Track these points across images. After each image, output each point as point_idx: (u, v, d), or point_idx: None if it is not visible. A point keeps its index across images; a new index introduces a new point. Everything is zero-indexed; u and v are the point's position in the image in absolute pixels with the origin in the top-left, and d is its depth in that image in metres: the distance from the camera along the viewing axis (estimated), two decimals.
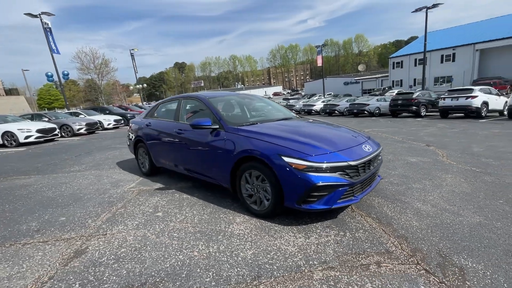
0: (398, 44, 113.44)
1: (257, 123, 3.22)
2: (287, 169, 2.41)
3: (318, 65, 35.12)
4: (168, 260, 2.12)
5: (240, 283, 1.80)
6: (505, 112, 12.51)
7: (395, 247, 2.12)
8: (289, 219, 2.69)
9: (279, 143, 2.59)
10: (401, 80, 40.60)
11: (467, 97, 12.42)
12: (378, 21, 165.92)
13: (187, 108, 3.91)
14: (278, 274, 1.87)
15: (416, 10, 20.85)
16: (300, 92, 70.10)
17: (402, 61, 40.34)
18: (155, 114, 4.57)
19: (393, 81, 41.84)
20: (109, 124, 15.78)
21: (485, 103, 12.34)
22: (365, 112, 17.38)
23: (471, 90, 12.72)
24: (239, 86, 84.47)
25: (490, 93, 13.04)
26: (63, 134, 12.93)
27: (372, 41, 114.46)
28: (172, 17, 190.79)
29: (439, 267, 1.84)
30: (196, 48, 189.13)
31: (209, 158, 3.23)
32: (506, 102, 12.84)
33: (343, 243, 2.21)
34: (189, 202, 3.35)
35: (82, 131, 13.18)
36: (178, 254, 2.20)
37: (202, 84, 74.75)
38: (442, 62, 35.51)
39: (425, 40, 21.00)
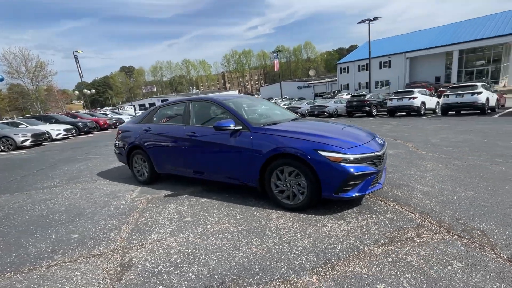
0: (341, 52, 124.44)
1: (277, 123, 3.37)
2: (325, 162, 2.62)
3: (276, 69, 36.59)
4: (232, 259, 2.13)
5: (316, 268, 1.94)
6: (437, 111, 14.95)
7: (423, 221, 2.49)
8: (320, 210, 2.90)
9: (311, 139, 2.80)
10: (348, 84, 44.74)
11: (409, 98, 14.43)
12: (323, 30, 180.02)
13: (198, 111, 3.85)
14: (345, 255, 2.06)
15: (361, 22, 23.39)
16: (256, 96, 71.94)
17: (348, 67, 44.53)
18: (154, 119, 4.37)
19: (341, 85, 45.83)
20: (58, 134, 13.99)
21: (423, 103, 14.49)
22: (325, 113, 18.76)
23: (412, 92, 14.82)
24: (194, 91, 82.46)
25: (426, 94, 15.38)
26: (2, 147, 11.07)
27: (319, 48, 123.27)
28: (115, 18, 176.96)
29: (465, 231, 2.26)
30: (144, 52, 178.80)
31: (233, 158, 3.26)
32: (438, 102, 15.35)
33: (381, 224, 2.51)
34: (212, 205, 3.32)
35: (27, 143, 11.45)
36: (237, 252, 2.23)
37: (155, 89, 70.76)
38: (380, 68, 40.28)
39: (369, 48, 23.64)
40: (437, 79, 36.20)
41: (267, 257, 2.11)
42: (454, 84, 23.28)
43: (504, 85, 31.15)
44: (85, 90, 30.59)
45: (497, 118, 10.30)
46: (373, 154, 2.75)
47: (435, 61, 35.76)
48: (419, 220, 2.52)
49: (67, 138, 14.82)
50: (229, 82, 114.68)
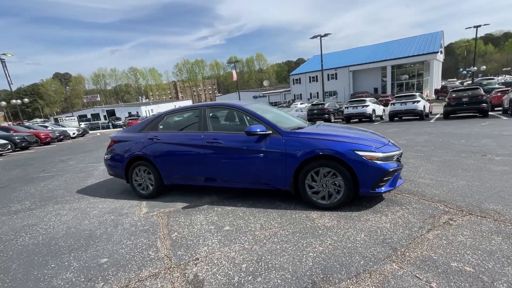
0: (289, 64, 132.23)
1: (302, 127, 3.51)
2: (362, 161, 2.84)
3: (233, 79, 37.02)
4: (305, 260, 2.15)
5: (390, 256, 2.09)
6: (384, 117, 17.10)
7: (446, 208, 2.88)
8: (352, 208, 3.10)
9: (346, 140, 3.00)
10: (301, 94, 47.69)
11: (363, 106, 16.17)
12: (271, 43, 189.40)
13: (216, 117, 3.75)
14: (406, 243, 2.26)
15: (314, 37, 25.44)
16: None
17: (300, 78, 47.58)
18: (161, 127, 4.07)
19: (294, 95, 48.58)
20: None
21: (374, 110, 16.38)
22: None
23: (364, 101, 16.64)
24: (144, 101, 77.57)
25: (375, 103, 17.44)
26: None
27: (269, 60, 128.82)
28: (45, 19, 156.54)
29: (483, 212, 2.69)
30: (81, 58, 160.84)
31: (264, 163, 3.26)
32: (384, 110, 17.56)
33: (414, 214, 2.81)
34: (244, 212, 3.24)
35: None
36: (305, 253, 2.25)
37: (98, 99, 64.33)
38: (329, 79, 44.05)
39: (322, 61, 25.79)
40: (375, 90, 41.20)
41: (338, 254, 2.19)
42: (394, 94, 26.61)
43: (426, 96, 37.14)
44: (14, 100, 26.17)
45: (434, 122, 12.23)
46: (397, 152, 3.09)
47: (373, 74, 40.76)
48: (442, 207, 2.90)
49: (0, 155, 12.48)
50: (181, 91, 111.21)
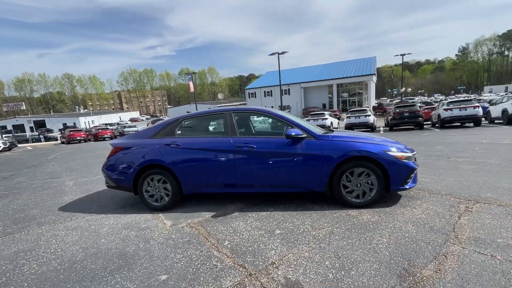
0: (241, 79, 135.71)
1: (330, 132, 3.71)
2: (394, 161, 3.17)
3: (191, 91, 36.18)
4: (380, 252, 2.27)
5: (448, 240, 2.36)
6: (339, 129, 18.91)
7: (457, 199, 3.37)
8: (381, 205, 3.37)
9: (377, 142, 3.32)
10: None
11: (323, 119, 17.61)
12: (223, 57, 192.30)
13: (244, 122, 3.70)
14: (450, 228, 2.58)
15: (272, 54, 26.87)
16: (162, 118, 67.38)
17: (255, 92, 49.13)
18: (178, 132, 3.80)
19: None
20: None
21: (331, 123, 17.96)
22: None
23: (323, 114, 18.16)
24: (82, 111, 69.43)
25: (331, 116, 19.15)
26: None
27: (222, 74, 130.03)
28: None
29: (486, 200, 3.24)
30: None
31: (300, 166, 3.34)
32: (338, 122, 19.42)
33: (437, 205, 3.21)
34: (284, 216, 3.22)
35: None
36: (375, 245, 2.37)
37: (23, 107, 54.89)
38: (282, 95, 46.52)
39: (279, 77, 27.32)
40: (324, 105, 45.11)
41: (404, 243, 2.38)
42: (340, 109, 29.27)
43: None
44: None
45: (384, 133, 14.02)
46: (415, 153, 3.53)
47: (321, 91, 44.69)
48: (453, 199, 3.40)
49: None
50: (126, 101, 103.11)
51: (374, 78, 45.32)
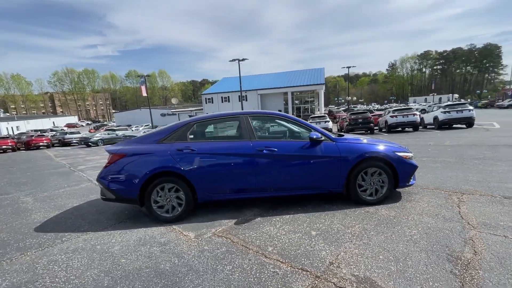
0: (194, 84, 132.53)
1: (343, 135, 3.91)
2: (401, 160, 3.53)
3: (143, 95, 33.72)
4: (419, 241, 2.49)
5: (464, 227, 2.72)
6: None
7: (445, 193, 3.88)
8: (389, 201, 3.69)
9: (386, 144, 3.64)
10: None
11: (325, 122, 18.58)
12: (174, 61, 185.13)
13: (260, 125, 3.64)
14: (458, 217, 2.97)
15: (232, 60, 26.99)
16: (106, 123, 60.98)
17: (212, 98, 48.51)
18: (191, 136, 3.55)
19: (207, 113, 48.88)
20: None
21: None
22: None
23: (325, 116, 19.15)
24: (2, 115, 58.62)
25: None
26: None
27: (173, 78, 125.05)
28: None
29: (469, 192, 3.82)
30: None
31: (320, 168, 3.45)
32: None
33: (435, 198, 3.65)
34: (309, 217, 3.26)
35: None
36: (410, 237, 2.60)
37: None
38: (239, 101, 46.94)
39: (240, 83, 27.57)
40: (280, 111, 47.01)
41: (432, 233, 2.65)
42: (302, 115, 30.77)
43: None
44: None
45: None
46: (412, 153, 3.97)
47: (277, 98, 46.49)
48: (443, 192, 3.90)
49: None
50: (61, 105, 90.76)
51: (323, 87, 49.20)
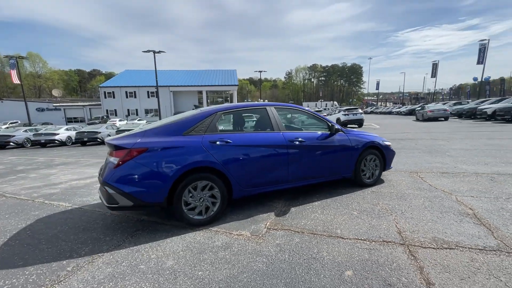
0: (81, 74, 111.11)
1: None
2: (388, 147, 4.35)
3: (15, 82, 25.38)
4: (442, 206, 3.22)
5: (465, 201, 3.69)
6: None
7: (414, 173, 5.02)
8: (381, 183, 4.45)
9: (375, 135, 4.37)
10: (115, 110, 41.96)
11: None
12: (50, 44, 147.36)
13: (282, 117, 3.63)
14: (444, 192, 3.98)
15: (145, 51, 24.24)
16: None
17: (113, 92, 41.83)
18: (221, 127, 3.18)
19: (107, 110, 41.78)
20: None
21: None
22: (98, 139, 16.74)
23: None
24: None
25: None
26: None
27: (51, 65, 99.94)
28: None
29: (431, 171, 5.09)
30: None
31: (337, 156, 3.82)
32: None
33: (411, 179, 4.66)
34: (339, 202, 3.54)
35: None
36: (432, 206, 3.31)
37: None
38: (149, 97, 42.60)
39: (156, 78, 25.10)
40: None
41: (438, 202, 3.46)
42: None
43: None
44: None
45: None
46: None
47: (192, 97, 44.93)
48: (405, 173, 5.03)
49: None
50: None
51: (237, 88, 51.12)
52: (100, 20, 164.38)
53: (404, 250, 2.32)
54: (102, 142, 17.15)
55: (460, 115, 22.58)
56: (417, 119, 23.05)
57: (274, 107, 3.66)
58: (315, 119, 3.99)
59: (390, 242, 2.46)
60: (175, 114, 39.01)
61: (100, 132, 17.06)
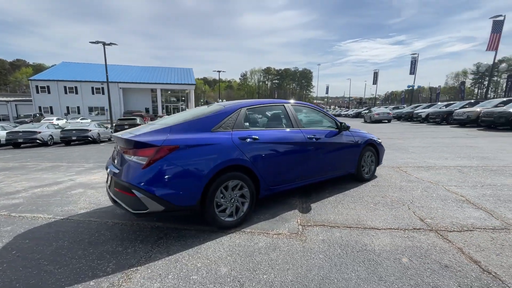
0: (2, 65, 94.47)
1: None
2: (379, 144, 4.73)
3: None
4: (442, 193, 3.62)
5: (463, 191, 4.19)
6: None
7: (394, 167, 5.53)
8: (376, 178, 4.81)
9: (369, 133, 4.71)
10: (51, 107, 36.58)
11: None
12: None
13: (298, 115, 3.64)
14: (430, 181, 4.48)
15: (95, 42, 21.70)
16: None
17: (49, 86, 36.37)
18: (246, 124, 3.03)
19: (40, 107, 36.09)
20: None
21: None
22: (38, 141, 14.49)
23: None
24: None
25: None
26: None
27: None
28: None
29: (408, 166, 5.65)
30: None
31: (345, 153, 4.00)
32: None
33: (400, 173, 5.14)
34: (350, 196, 3.72)
35: None
36: (432, 191, 3.70)
37: None
38: (93, 93, 38.27)
39: (106, 72, 22.66)
40: (147, 110, 42.53)
41: (433, 191, 3.89)
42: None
43: None
44: None
45: None
46: None
47: (144, 95, 41.87)
48: (390, 168, 5.54)
49: None
50: None
51: (194, 87, 49.48)
52: (24, 3, 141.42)
53: (436, 235, 2.55)
54: (44, 144, 14.82)
55: (399, 118, 25.81)
56: (365, 121, 25.53)
57: (291, 105, 3.66)
58: (324, 117, 4.12)
59: (420, 229, 2.68)
60: (125, 113, 35.83)
61: (39, 132, 14.70)
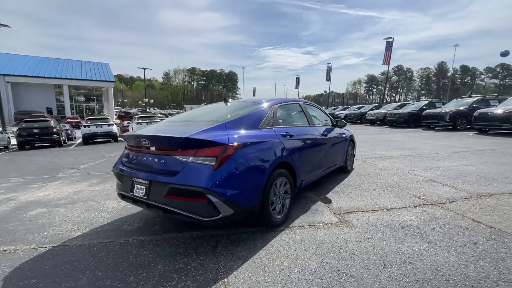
0: None
1: None
2: (354, 139, 5.46)
3: None
4: (429, 178, 4.45)
5: (454, 184, 5.13)
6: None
7: (368, 160, 6.38)
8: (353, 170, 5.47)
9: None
10: None
11: (108, 125, 15.07)
12: None
13: (310, 112, 3.85)
14: (410, 167, 5.40)
15: None
16: None
17: None
18: (280, 121, 3.02)
19: None
20: None
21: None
22: None
23: (108, 119, 15.47)
24: None
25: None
26: None
27: None
28: None
29: (385, 157, 6.59)
30: None
31: (341, 147, 4.47)
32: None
33: (370, 164, 5.96)
34: (355, 186, 4.17)
35: None
36: (420, 177, 4.50)
37: None
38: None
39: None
40: (49, 110, 34.93)
41: (400, 173, 4.75)
42: (84, 117, 25.72)
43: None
44: None
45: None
46: None
47: (45, 92, 34.27)
48: (360, 160, 6.38)
49: None
50: None
51: (113, 85, 43.51)
52: None
53: (438, 208, 3.20)
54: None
55: None
56: None
57: (304, 104, 3.86)
58: (322, 114, 4.47)
59: (426, 204, 3.30)
60: (15, 114, 28.44)
61: None
